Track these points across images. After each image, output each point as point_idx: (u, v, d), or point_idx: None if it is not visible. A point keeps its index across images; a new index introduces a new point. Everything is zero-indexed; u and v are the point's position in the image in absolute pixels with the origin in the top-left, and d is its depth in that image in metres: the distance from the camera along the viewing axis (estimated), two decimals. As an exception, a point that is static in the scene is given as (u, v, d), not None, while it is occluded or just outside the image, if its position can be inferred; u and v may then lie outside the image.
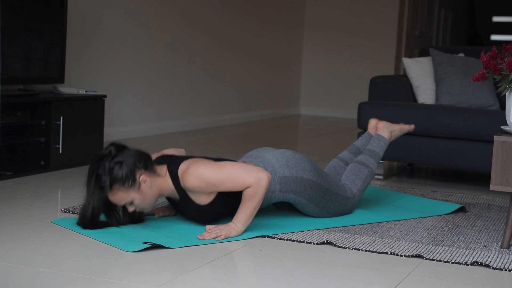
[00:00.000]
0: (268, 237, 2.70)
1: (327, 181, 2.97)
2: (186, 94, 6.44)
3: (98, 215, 2.64)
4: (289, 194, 2.87)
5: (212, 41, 6.83)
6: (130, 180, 2.59)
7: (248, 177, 2.64)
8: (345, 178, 3.12)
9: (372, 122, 3.43)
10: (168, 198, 2.84)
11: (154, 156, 2.82)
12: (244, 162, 2.89)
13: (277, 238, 2.69)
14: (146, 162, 2.66)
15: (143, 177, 2.63)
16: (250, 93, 7.72)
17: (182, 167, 2.67)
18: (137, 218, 2.77)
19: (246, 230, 2.72)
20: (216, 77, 6.97)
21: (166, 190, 2.72)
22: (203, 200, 2.70)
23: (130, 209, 2.67)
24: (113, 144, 2.65)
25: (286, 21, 8.34)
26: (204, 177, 2.63)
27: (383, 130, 3.36)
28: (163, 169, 2.71)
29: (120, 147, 2.65)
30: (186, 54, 6.39)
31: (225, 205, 2.74)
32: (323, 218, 3.01)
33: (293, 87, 8.70)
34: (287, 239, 2.67)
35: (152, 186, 2.66)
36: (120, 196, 2.61)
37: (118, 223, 2.72)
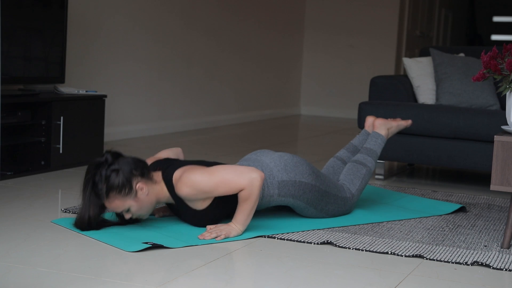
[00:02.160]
0: (268, 237, 2.70)
1: (326, 183, 2.96)
2: (187, 94, 6.44)
3: (95, 222, 2.63)
4: (287, 198, 2.86)
5: (213, 41, 6.83)
6: (126, 188, 2.58)
7: (241, 179, 2.63)
8: (343, 178, 3.12)
9: (369, 120, 3.41)
10: (166, 203, 2.84)
11: (149, 161, 2.81)
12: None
13: (278, 238, 2.69)
14: (142, 170, 2.64)
15: (139, 185, 2.61)
16: (250, 93, 7.72)
17: (176, 175, 2.66)
18: (134, 220, 2.77)
19: (247, 230, 2.72)
20: (216, 77, 6.97)
21: (163, 197, 2.71)
22: (200, 205, 2.69)
23: (127, 216, 2.66)
24: (109, 151, 2.63)
25: (286, 21, 8.34)
26: (196, 185, 2.61)
27: (380, 127, 3.34)
28: (159, 176, 2.70)
29: (116, 155, 2.63)
30: (187, 54, 6.39)
31: (222, 208, 2.73)
32: (322, 218, 3.01)
33: (293, 87, 8.70)
34: (287, 239, 2.67)
35: (149, 194, 2.65)
36: (117, 204, 2.60)
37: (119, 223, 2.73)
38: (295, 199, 2.87)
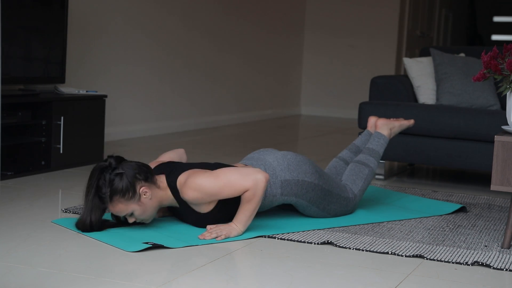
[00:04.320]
0: (268, 237, 2.70)
1: (329, 182, 2.97)
2: (187, 94, 6.44)
3: (97, 225, 2.63)
4: (290, 197, 2.86)
5: (213, 42, 6.83)
6: (130, 192, 2.58)
7: (246, 180, 2.63)
8: (346, 178, 3.12)
9: (371, 120, 3.42)
10: (169, 206, 2.83)
11: (152, 165, 2.81)
12: (245, 164, 2.88)
13: (278, 238, 2.69)
14: (146, 174, 2.64)
15: (143, 189, 2.61)
16: (251, 93, 7.72)
17: (180, 179, 2.66)
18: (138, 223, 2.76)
19: (247, 230, 2.72)
20: (216, 77, 6.97)
21: (166, 200, 2.71)
22: (204, 208, 2.69)
23: (130, 220, 2.66)
24: (111, 156, 2.63)
25: (286, 22, 8.34)
26: (202, 188, 2.61)
27: (382, 127, 3.34)
28: (163, 180, 2.70)
29: (119, 159, 2.64)
30: (187, 54, 6.39)
31: (226, 211, 2.73)
32: (324, 218, 3.01)
33: (293, 87, 8.70)
34: (287, 239, 2.68)
35: (152, 198, 2.65)
36: (120, 208, 2.60)
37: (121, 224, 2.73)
38: (298, 198, 2.87)
